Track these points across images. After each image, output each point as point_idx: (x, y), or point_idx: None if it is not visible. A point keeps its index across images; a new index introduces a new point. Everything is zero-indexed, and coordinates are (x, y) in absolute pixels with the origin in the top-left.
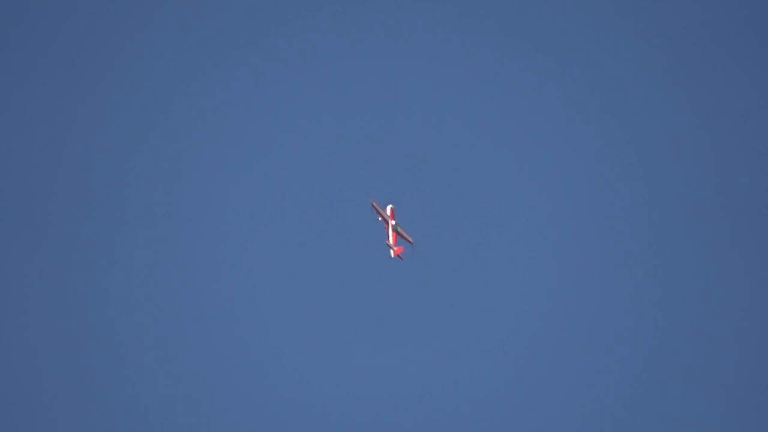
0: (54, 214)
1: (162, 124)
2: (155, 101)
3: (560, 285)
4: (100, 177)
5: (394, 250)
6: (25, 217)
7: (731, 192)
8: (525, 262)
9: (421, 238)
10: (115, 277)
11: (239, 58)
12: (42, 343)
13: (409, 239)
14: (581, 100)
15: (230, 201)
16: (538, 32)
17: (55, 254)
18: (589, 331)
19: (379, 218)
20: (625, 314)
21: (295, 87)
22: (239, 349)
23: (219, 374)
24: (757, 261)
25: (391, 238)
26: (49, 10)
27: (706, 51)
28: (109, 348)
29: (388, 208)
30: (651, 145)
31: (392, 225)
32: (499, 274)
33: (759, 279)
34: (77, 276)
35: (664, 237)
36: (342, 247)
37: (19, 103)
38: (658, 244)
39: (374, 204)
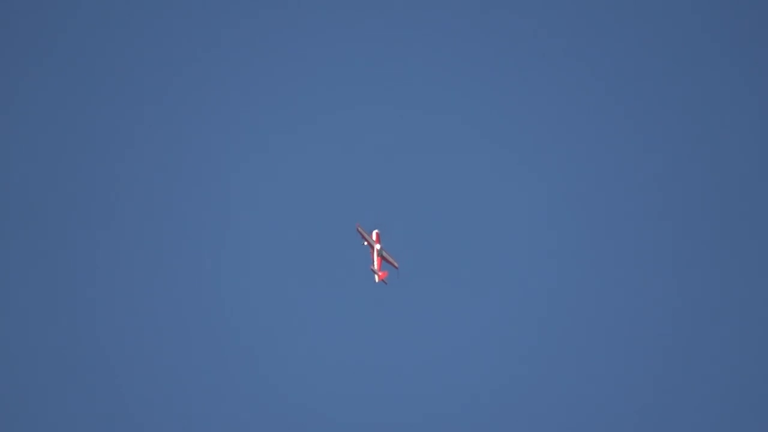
0: (50, 214)
1: (157, 129)
2: (154, 102)
3: (551, 307)
4: (100, 177)
5: (378, 275)
6: (18, 219)
7: (731, 192)
8: (513, 290)
9: (407, 263)
10: (113, 279)
11: (230, 70)
12: (34, 344)
13: (395, 264)
14: (573, 126)
15: (215, 221)
16: (529, 59)
17: (53, 254)
18: (587, 358)
19: (365, 243)
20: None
21: (283, 105)
22: (219, 378)
23: (202, 391)
24: (758, 262)
25: (375, 262)
26: (45, 6)
27: (704, 52)
28: (106, 349)
29: (374, 232)
30: (647, 148)
31: (377, 250)
32: (487, 300)
33: (760, 281)
34: (72, 277)
35: (664, 247)
36: (325, 272)
37: (13, 102)
38: (658, 256)
39: (359, 228)
